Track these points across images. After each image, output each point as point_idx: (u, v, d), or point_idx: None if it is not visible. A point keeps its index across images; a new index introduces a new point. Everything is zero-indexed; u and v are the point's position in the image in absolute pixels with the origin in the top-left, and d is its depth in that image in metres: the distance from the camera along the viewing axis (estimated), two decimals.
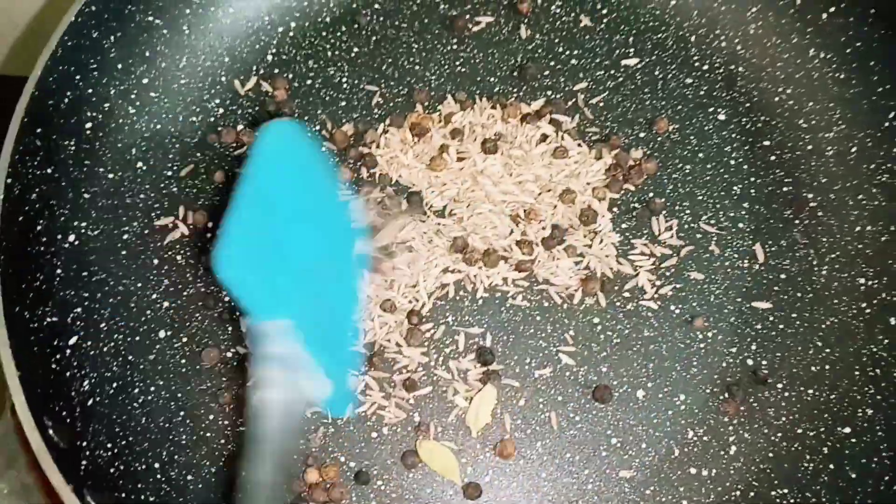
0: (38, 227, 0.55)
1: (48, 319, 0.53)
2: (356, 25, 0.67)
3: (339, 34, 0.67)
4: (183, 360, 0.57)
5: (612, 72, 0.66)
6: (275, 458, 0.47)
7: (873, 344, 0.56)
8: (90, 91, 0.59)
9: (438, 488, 0.54)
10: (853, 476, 0.52)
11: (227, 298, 0.59)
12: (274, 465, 0.47)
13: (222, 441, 0.55)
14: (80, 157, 0.59)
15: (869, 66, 0.60)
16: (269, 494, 0.46)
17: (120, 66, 0.61)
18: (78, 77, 0.58)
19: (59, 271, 0.55)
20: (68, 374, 0.53)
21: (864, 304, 0.57)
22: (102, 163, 0.60)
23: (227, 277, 0.46)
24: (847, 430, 0.54)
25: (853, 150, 0.61)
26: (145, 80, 0.63)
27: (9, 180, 0.52)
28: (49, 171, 0.56)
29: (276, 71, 0.66)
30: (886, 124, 0.59)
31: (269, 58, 0.66)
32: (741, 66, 0.66)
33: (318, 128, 0.64)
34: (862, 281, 0.58)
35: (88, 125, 0.59)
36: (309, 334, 0.48)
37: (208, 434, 0.56)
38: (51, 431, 0.47)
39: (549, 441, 0.55)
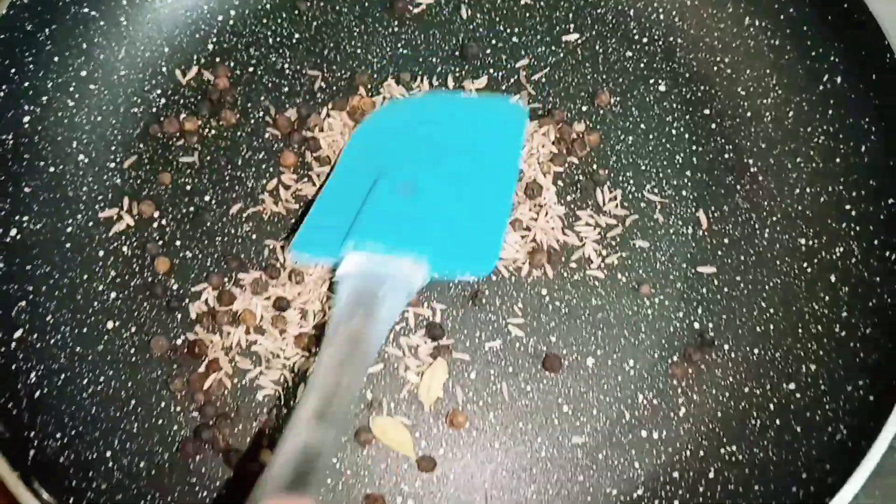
0: None
1: None
2: (296, 11, 0.67)
3: (279, 20, 0.67)
4: (132, 350, 0.57)
5: (553, 48, 0.66)
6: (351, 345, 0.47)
7: (815, 302, 0.57)
8: (26, 84, 0.59)
9: (393, 463, 0.55)
10: (798, 430, 0.52)
11: (174, 287, 0.59)
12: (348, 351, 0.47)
13: (175, 427, 0.55)
14: (19, 151, 0.58)
15: (802, 32, 0.61)
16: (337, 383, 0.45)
17: (56, 58, 0.61)
18: (13, 71, 0.58)
19: (0, 265, 0.55)
20: (14, 366, 0.53)
21: (805, 264, 0.58)
22: (42, 156, 0.60)
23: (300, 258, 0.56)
24: (792, 386, 0.55)
25: (790, 114, 0.62)
26: (83, 73, 0.62)
27: None
28: None
29: (217, 59, 0.66)
30: (821, 87, 0.60)
31: (210, 46, 0.66)
32: (679, 38, 0.67)
33: (260, 114, 0.64)
34: (802, 241, 0.59)
35: (26, 119, 0.59)
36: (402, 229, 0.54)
37: (160, 421, 0.55)
38: None
39: (501, 411, 0.56)
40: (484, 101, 0.63)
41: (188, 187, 0.62)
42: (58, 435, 0.52)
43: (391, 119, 0.62)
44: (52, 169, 0.60)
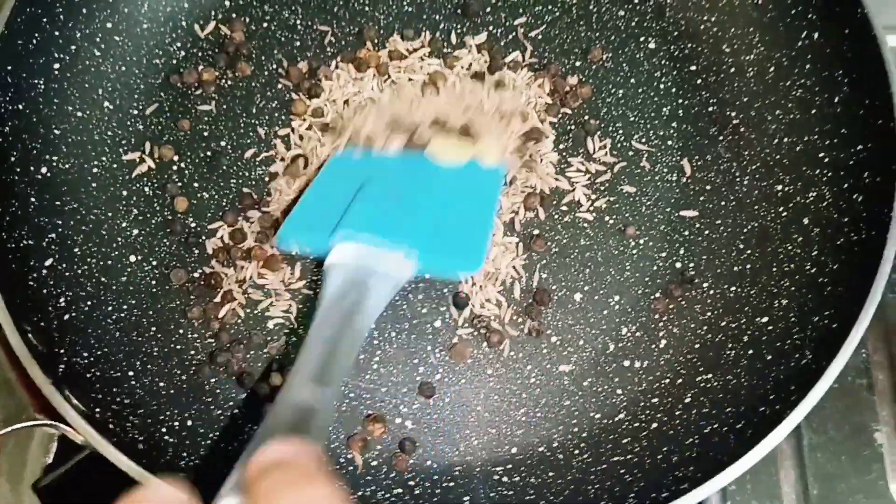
0: (13, 159, 0.59)
1: (24, 242, 0.58)
2: None
3: None
4: (153, 282, 0.62)
5: (549, 6, 0.70)
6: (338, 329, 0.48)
7: (789, 243, 0.60)
8: (57, 34, 0.63)
9: (393, 388, 0.59)
10: (769, 358, 0.56)
11: (192, 224, 0.63)
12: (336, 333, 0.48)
13: (192, 352, 0.60)
14: (50, 95, 0.63)
15: None
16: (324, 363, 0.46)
17: (84, 10, 0.65)
18: (45, 20, 0.62)
19: (32, 199, 0.60)
20: (45, 291, 0.57)
21: (780, 209, 0.62)
22: (71, 101, 0.64)
23: (287, 244, 0.57)
24: (765, 319, 0.58)
25: (771, 69, 0.65)
26: (109, 25, 0.67)
27: None
28: (20, 107, 0.60)
29: (234, 15, 0.70)
30: (799, 44, 0.64)
31: (227, 3, 0.70)
32: None
33: (274, 66, 0.68)
34: (779, 188, 0.63)
35: (56, 66, 0.63)
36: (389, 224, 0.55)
37: (178, 346, 0.60)
38: (30, 336, 0.51)
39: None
40: (461, 169, 0.61)
41: (205, 133, 0.66)
42: (85, 354, 0.56)
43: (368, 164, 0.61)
44: (79, 113, 0.64)
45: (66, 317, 0.57)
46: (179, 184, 0.64)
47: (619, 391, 0.59)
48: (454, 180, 0.60)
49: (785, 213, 0.62)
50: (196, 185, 0.64)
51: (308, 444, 0.36)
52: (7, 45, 0.59)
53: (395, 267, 0.53)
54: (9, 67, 0.59)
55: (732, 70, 0.67)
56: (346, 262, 0.53)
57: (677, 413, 0.57)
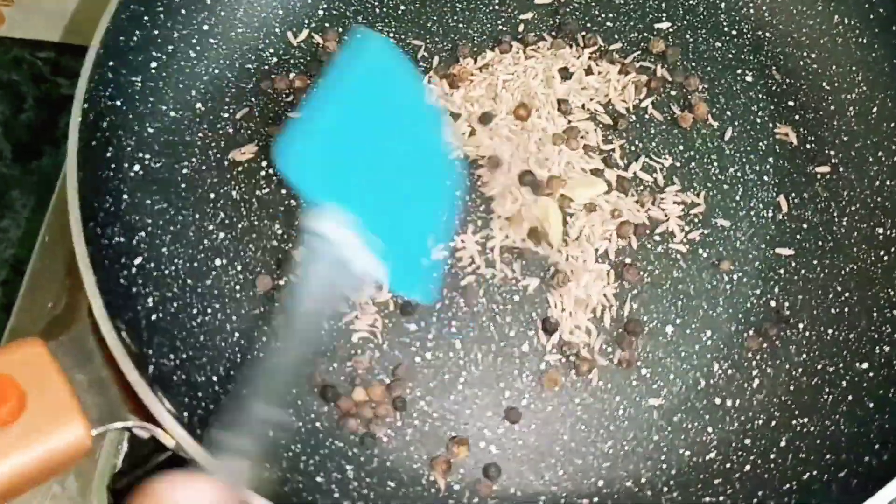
0: (108, 154, 0.58)
1: (116, 239, 0.57)
2: None
3: None
4: (237, 287, 0.61)
5: (645, 34, 0.69)
6: (306, 330, 0.49)
7: (890, 288, 0.59)
8: (156, 32, 0.63)
9: (478, 411, 0.58)
10: (870, 406, 0.55)
11: (279, 231, 0.62)
12: (304, 337, 0.49)
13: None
14: (146, 93, 0.62)
15: (891, 31, 0.64)
16: (292, 365, 0.49)
17: (183, 11, 0.65)
18: (146, 18, 0.62)
19: (125, 196, 0.59)
20: (134, 289, 0.56)
21: (882, 252, 0.60)
22: (165, 101, 0.64)
23: (286, 168, 0.51)
24: (865, 365, 0.57)
25: (874, 110, 0.64)
26: (206, 27, 0.66)
27: (85, 105, 0.55)
28: (118, 103, 0.59)
29: (327, 24, 0.70)
30: None
31: (321, 12, 0.70)
32: (768, 32, 0.69)
33: None
34: (880, 231, 0.61)
35: (153, 64, 0.63)
36: (372, 220, 0.51)
37: (261, 354, 0.59)
38: (123, 334, 0.50)
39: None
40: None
41: None
42: (171, 356, 0.55)
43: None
44: (172, 113, 0.64)
45: (154, 317, 0.56)
46: (267, 190, 0.64)
47: (709, 429, 0.57)
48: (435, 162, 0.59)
49: (886, 258, 0.60)
50: (283, 192, 0.64)
51: None
52: (111, 41, 0.58)
53: (364, 269, 0.51)
54: (111, 63, 0.58)
55: (832, 108, 0.66)
56: (332, 237, 0.51)
57: (772, 457, 0.55)
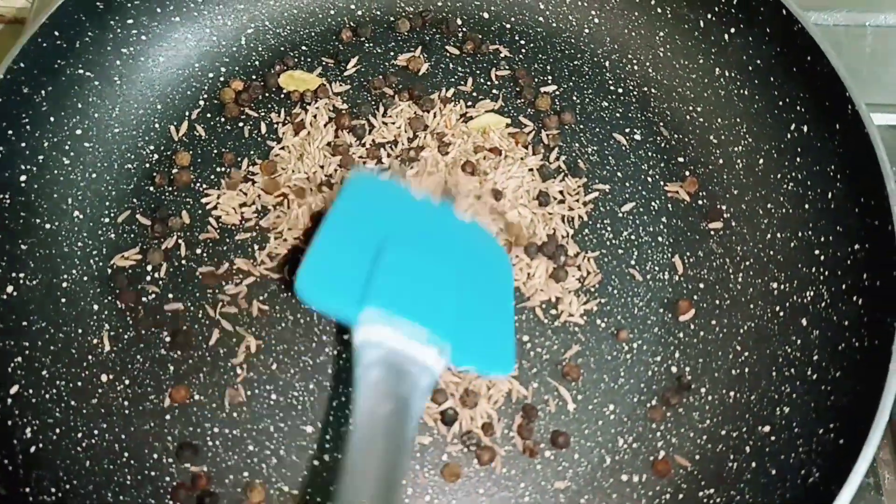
0: None
1: None
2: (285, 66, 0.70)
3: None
4: (125, 402, 0.59)
5: (531, 98, 0.69)
6: (381, 468, 0.43)
7: (787, 345, 0.58)
8: (23, 145, 0.61)
9: None
10: (773, 472, 0.54)
11: (167, 339, 0.60)
12: (379, 477, 0.43)
13: (167, 479, 0.57)
14: (16, 209, 0.60)
15: (769, 82, 0.64)
16: None
17: (52, 118, 0.63)
18: (10, 132, 0.60)
19: None
20: (10, 422, 0.54)
21: (777, 308, 0.60)
22: (38, 214, 0.62)
23: (308, 298, 0.50)
24: (767, 428, 0.56)
25: (760, 161, 0.64)
26: (78, 132, 0.65)
27: None
28: None
29: (209, 115, 0.68)
30: (788, 136, 0.63)
31: (202, 102, 0.69)
32: (653, 88, 0.69)
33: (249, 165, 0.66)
34: (775, 285, 0.61)
35: (23, 178, 0.61)
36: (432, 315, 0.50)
37: (153, 473, 0.57)
38: None
39: None
40: (477, 233, 0.60)
41: (181, 241, 0.64)
42: (52, 490, 0.53)
43: (389, 192, 0.59)
44: (47, 226, 0.62)
45: (33, 449, 0.54)
46: (153, 295, 0.62)
47: None
48: (474, 248, 0.58)
49: (782, 313, 0.60)
50: (171, 295, 0.62)
51: None
52: None
53: (432, 359, 0.49)
54: None
55: (721, 161, 0.66)
56: (381, 343, 0.48)
57: None
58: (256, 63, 0.70)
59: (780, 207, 0.62)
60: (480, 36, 0.71)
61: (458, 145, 0.65)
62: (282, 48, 0.71)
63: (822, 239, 0.59)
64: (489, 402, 0.58)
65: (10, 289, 0.58)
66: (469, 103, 0.69)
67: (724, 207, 0.64)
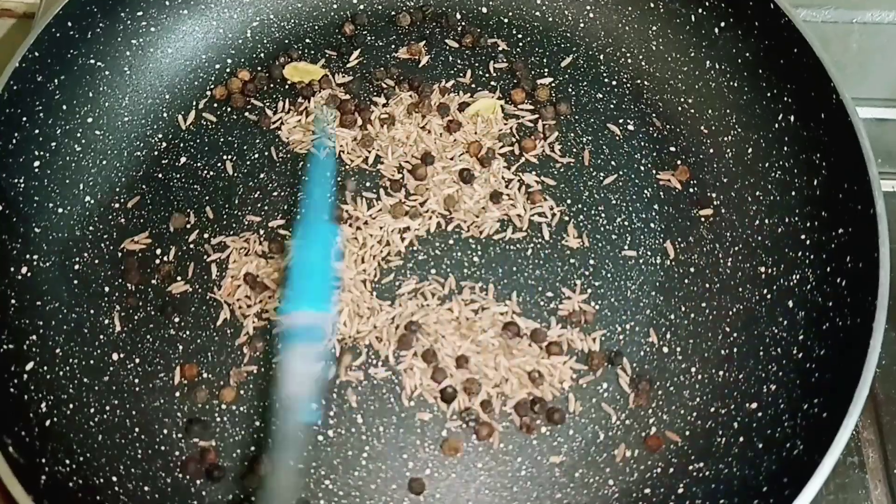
0: None
1: (4, 347, 0.57)
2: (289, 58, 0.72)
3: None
4: (136, 381, 0.61)
5: (528, 89, 0.71)
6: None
7: (774, 326, 0.61)
8: (37, 132, 0.63)
9: (383, 484, 0.58)
10: (760, 446, 0.56)
11: (176, 320, 0.62)
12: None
13: (176, 453, 0.58)
14: (30, 193, 0.62)
15: (758, 74, 0.66)
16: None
17: (65, 106, 0.65)
18: (24, 119, 0.62)
19: (13, 301, 0.59)
20: (26, 397, 0.56)
21: (765, 290, 0.62)
22: (51, 198, 0.64)
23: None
24: (754, 405, 0.58)
25: (749, 151, 0.66)
26: (90, 119, 0.67)
27: None
28: (0, 207, 0.60)
29: (215, 105, 0.70)
30: (776, 126, 0.65)
31: (209, 92, 0.71)
32: (646, 80, 0.71)
33: (255, 156, 0.68)
34: (762, 269, 0.63)
35: (36, 164, 0.63)
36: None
37: (162, 448, 0.59)
38: (10, 449, 0.50)
39: None
40: None
41: (188, 226, 0.66)
42: (67, 461, 0.55)
43: None
44: (60, 210, 0.64)
45: (48, 423, 0.56)
46: (164, 277, 0.64)
47: (610, 482, 0.58)
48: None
49: (769, 296, 0.62)
50: (179, 278, 0.64)
51: None
52: None
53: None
54: None
55: (711, 151, 0.68)
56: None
57: None
58: (262, 55, 0.72)
59: (768, 194, 0.65)
60: (479, 30, 0.74)
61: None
62: (286, 41, 0.73)
63: (808, 224, 0.62)
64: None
65: (24, 270, 0.60)
66: (468, 94, 0.71)
67: (714, 195, 0.67)
